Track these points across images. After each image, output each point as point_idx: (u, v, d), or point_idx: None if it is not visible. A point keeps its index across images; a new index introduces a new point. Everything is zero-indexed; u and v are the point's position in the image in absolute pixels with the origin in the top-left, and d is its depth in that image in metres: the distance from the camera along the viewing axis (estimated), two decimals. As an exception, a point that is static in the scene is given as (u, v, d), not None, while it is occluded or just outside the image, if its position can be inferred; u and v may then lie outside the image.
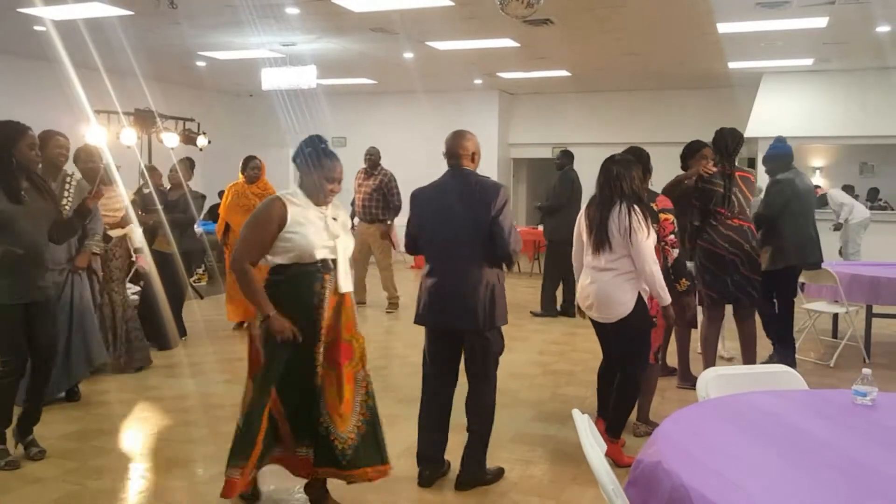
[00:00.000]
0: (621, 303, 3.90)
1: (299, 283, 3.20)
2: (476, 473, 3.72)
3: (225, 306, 7.38)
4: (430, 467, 3.76)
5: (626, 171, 3.94)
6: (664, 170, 7.52)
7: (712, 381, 2.78)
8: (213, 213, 12.58)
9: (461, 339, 3.72)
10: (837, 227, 10.56)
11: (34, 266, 3.84)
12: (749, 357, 5.32)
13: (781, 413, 2.45)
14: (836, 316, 7.02)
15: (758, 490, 1.85)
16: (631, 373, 4.02)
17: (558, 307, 8.40)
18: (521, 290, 10.18)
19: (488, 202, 3.55)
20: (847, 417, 2.44)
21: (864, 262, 8.69)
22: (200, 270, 10.52)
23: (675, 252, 4.26)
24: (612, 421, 4.06)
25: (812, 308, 6.59)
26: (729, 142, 5.16)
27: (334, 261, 3.26)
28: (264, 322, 3.14)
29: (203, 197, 7.48)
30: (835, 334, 7.06)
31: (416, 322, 3.80)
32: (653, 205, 4.23)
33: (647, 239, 3.86)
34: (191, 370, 5.90)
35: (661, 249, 4.21)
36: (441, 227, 3.65)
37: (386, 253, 8.53)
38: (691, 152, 5.31)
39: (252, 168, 7.27)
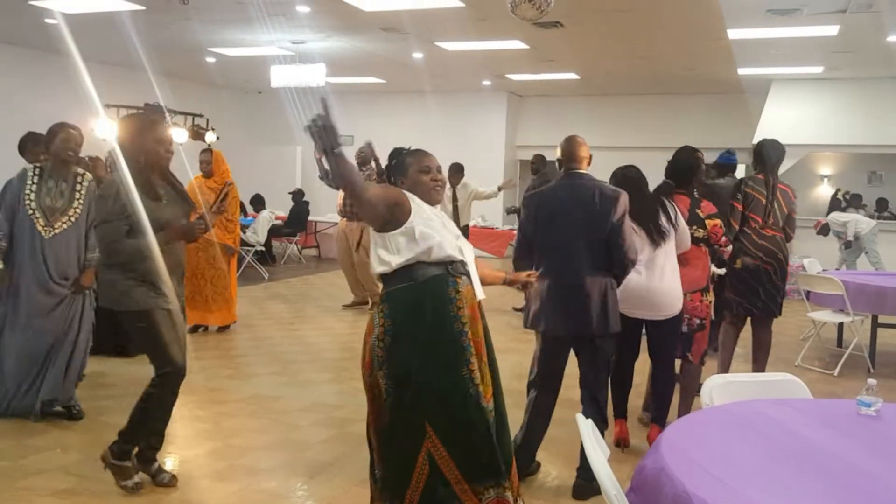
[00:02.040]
0: (678, 298, 4.07)
1: (429, 287, 2.71)
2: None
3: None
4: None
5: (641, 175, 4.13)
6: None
7: (717, 388, 2.78)
8: (219, 209, 12.63)
9: (572, 346, 3.77)
10: (848, 245, 10.40)
11: (176, 273, 3.55)
12: (761, 364, 5.34)
13: (785, 422, 2.45)
14: (841, 325, 7.00)
15: (760, 498, 1.85)
16: (670, 363, 4.24)
17: None
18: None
19: (608, 209, 3.56)
20: (851, 427, 2.43)
21: (870, 272, 8.67)
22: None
23: (730, 248, 4.51)
24: (659, 411, 4.23)
25: (817, 317, 6.57)
26: (771, 153, 5.23)
27: (464, 262, 2.83)
28: None
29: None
30: (840, 343, 7.03)
31: (528, 327, 3.80)
32: (698, 210, 4.34)
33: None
34: (193, 365, 5.90)
35: (713, 253, 4.41)
36: (560, 231, 3.63)
37: (367, 248, 8.37)
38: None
39: (202, 162, 6.87)
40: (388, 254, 2.72)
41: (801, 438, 2.31)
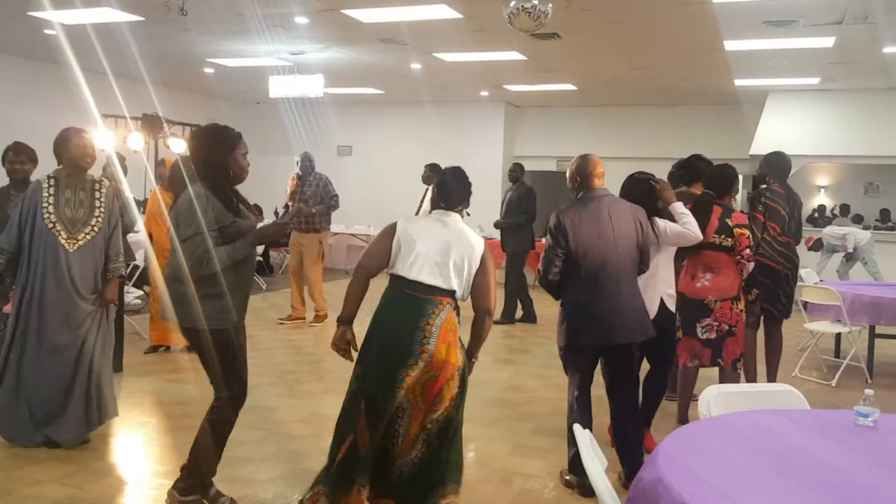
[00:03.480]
0: (652, 308, 4.12)
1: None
2: None
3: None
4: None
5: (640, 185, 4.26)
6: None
7: (714, 399, 2.78)
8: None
9: (602, 354, 3.86)
10: (850, 258, 10.38)
11: (249, 287, 3.45)
12: (774, 368, 5.60)
13: (783, 432, 2.45)
14: (838, 336, 7.01)
15: (758, 509, 1.85)
16: (661, 372, 4.37)
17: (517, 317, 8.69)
18: (523, 302, 10.17)
19: (640, 222, 3.80)
20: (849, 438, 2.43)
21: (868, 282, 8.68)
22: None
23: (751, 266, 4.52)
24: (648, 414, 4.39)
25: (815, 328, 6.58)
26: (784, 165, 5.55)
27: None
28: None
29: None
30: (837, 354, 7.04)
31: (573, 344, 3.78)
32: (728, 220, 4.49)
33: (665, 233, 4.17)
34: (190, 376, 5.88)
35: (736, 263, 4.49)
36: (602, 246, 3.72)
37: (318, 263, 8.10)
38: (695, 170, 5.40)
39: (158, 176, 6.53)
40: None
41: (799, 449, 2.31)
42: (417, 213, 7.86)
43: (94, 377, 4.21)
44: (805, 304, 6.58)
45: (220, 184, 3.28)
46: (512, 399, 5.45)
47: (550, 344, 7.53)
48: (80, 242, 4.13)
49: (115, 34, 8.92)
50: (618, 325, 3.71)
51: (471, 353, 3.33)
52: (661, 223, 4.20)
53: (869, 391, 2.57)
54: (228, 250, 3.19)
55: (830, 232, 10.45)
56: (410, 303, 3.16)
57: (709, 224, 4.45)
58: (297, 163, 8.14)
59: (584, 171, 3.90)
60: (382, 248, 3.29)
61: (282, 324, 8.13)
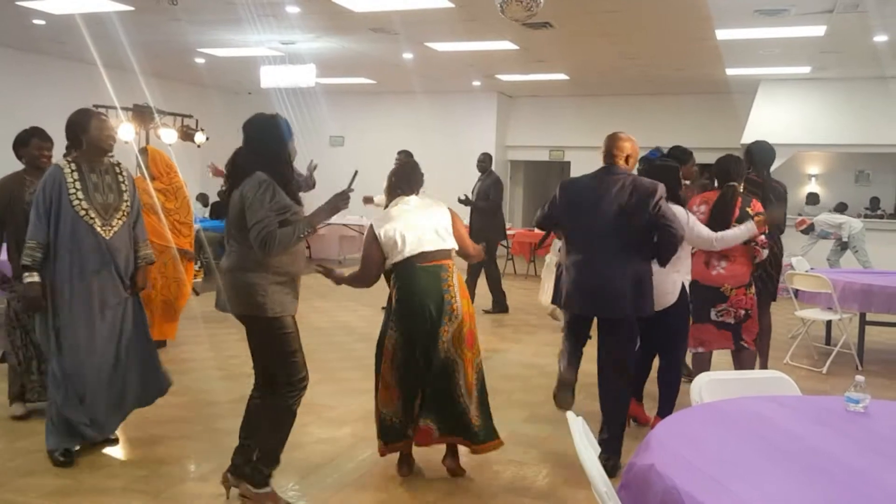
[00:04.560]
0: (667, 293, 4.20)
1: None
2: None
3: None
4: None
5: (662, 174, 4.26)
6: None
7: (706, 385, 2.80)
8: (212, 210, 12.61)
9: (599, 326, 4.01)
10: (844, 247, 10.38)
11: (301, 272, 3.45)
12: (765, 352, 5.63)
13: (774, 418, 2.47)
14: (829, 323, 7.05)
15: (749, 494, 1.86)
16: (674, 358, 4.41)
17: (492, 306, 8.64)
18: (515, 291, 10.19)
19: (644, 201, 3.75)
20: (839, 424, 2.45)
21: (858, 270, 8.73)
22: (196, 266, 10.50)
23: (765, 253, 4.61)
24: (663, 403, 4.41)
25: (805, 315, 6.61)
26: (763, 155, 5.53)
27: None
28: None
29: None
30: (828, 341, 7.08)
31: (562, 307, 4.22)
32: (748, 209, 4.54)
33: (688, 227, 4.15)
34: (185, 366, 5.89)
35: (750, 249, 4.58)
36: (590, 219, 3.87)
37: None
38: (686, 159, 5.45)
39: (140, 165, 6.23)
40: None
41: (790, 435, 2.32)
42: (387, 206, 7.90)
43: (130, 369, 4.03)
44: (796, 291, 6.62)
45: (282, 171, 3.31)
46: (505, 387, 5.46)
47: (543, 332, 7.57)
48: (115, 229, 3.88)
49: (105, 24, 8.86)
50: (582, 297, 3.94)
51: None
52: (690, 218, 4.24)
53: (859, 378, 2.58)
54: (291, 230, 3.20)
55: (825, 219, 10.48)
56: (426, 274, 3.62)
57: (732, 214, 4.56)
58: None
59: (605, 147, 4.03)
60: (376, 255, 3.70)
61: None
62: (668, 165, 4.41)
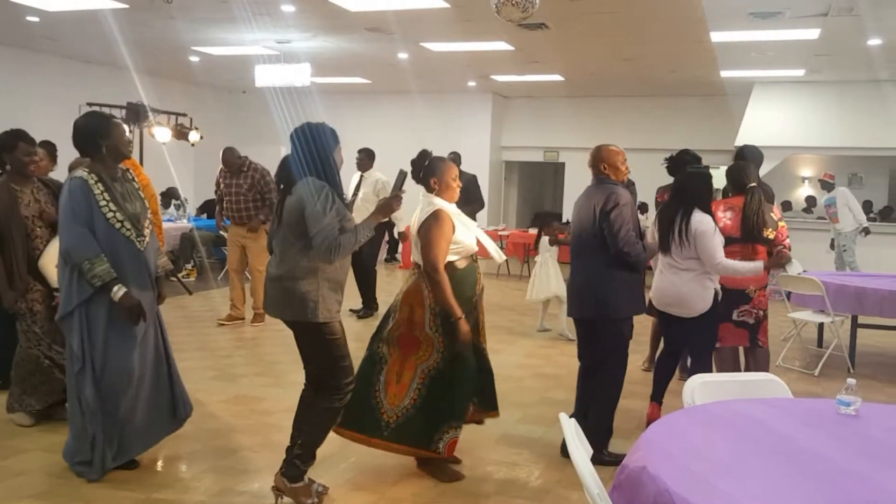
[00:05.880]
0: (703, 299, 4.31)
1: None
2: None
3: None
4: None
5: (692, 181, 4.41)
6: (653, 176, 7.61)
7: (698, 388, 2.81)
8: (205, 209, 12.58)
9: (591, 328, 4.16)
10: (867, 232, 10.39)
11: (345, 280, 3.49)
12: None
13: (766, 420, 2.47)
14: (821, 325, 7.06)
15: (740, 496, 1.87)
16: (704, 358, 4.46)
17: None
18: (509, 291, 10.21)
19: (598, 204, 3.96)
20: (831, 426, 2.46)
21: (850, 273, 8.75)
22: (189, 266, 10.49)
23: (791, 253, 4.79)
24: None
25: (798, 317, 6.63)
26: (752, 160, 5.51)
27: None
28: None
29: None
30: (820, 343, 7.11)
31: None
32: (772, 214, 4.73)
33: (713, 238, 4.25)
34: (178, 365, 5.86)
35: (769, 253, 4.71)
36: (575, 227, 4.20)
37: (263, 254, 7.14)
38: (682, 163, 5.52)
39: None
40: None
41: (782, 437, 2.33)
42: (353, 202, 7.75)
43: (157, 390, 3.85)
44: (788, 294, 6.63)
45: (334, 177, 3.35)
46: (498, 388, 5.45)
47: (536, 335, 7.57)
48: (147, 238, 3.68)
49: (99, 22, 8.83)
50: (575, 301, 4.21)
51: None
52: (698, 228, 4.24)
53: (851, 380, 2.59)
54: (352, 236, 3.28)
55: (845, 193, 10.50)
56: (473, 270, 3.82)
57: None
58: (222, 160, 7.53)
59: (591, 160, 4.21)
60: (448, 241, 3.68)
61: (222, 325, 7.45)
62: (702, 172, 4.46)
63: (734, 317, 4.76)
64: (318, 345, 3.38)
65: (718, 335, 4.74)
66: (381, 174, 8.18)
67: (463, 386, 3.76)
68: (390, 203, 3.51)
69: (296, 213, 3.25)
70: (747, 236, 4.62)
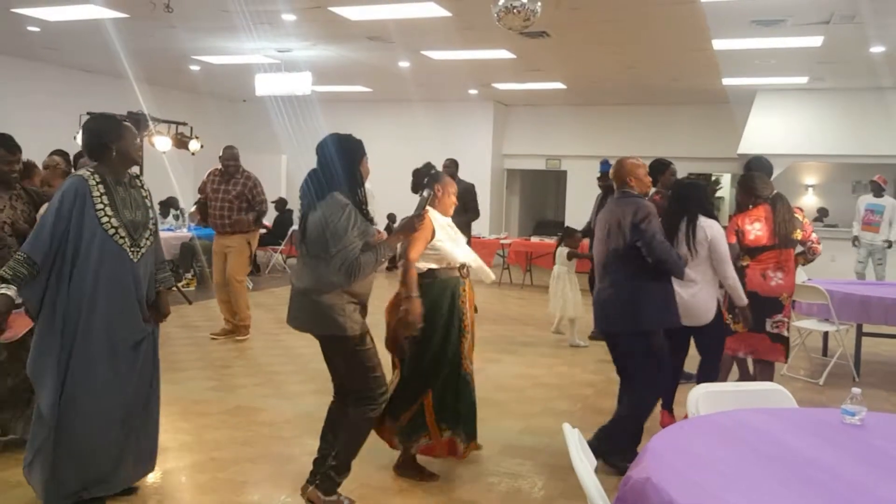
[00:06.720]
0: (709, 309, 4.35)
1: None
2: (607, 454, 3.93)
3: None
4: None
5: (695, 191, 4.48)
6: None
7: (702, 397, 2.77)
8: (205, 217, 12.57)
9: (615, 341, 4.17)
10: (890, 244, 10.02)
11: (369, 294, 3.49)
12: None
13: (770, 431, 2.44)
14: (826, 334, 7.02)
15: (747, 509, 1.83)
16: (713, 364, 4.53)
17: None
18: (511, 301, 10.17)
19: (626, 217, 3.96)
20: (836, 436, 2.43)
21: (856, 282, 8.71)
22: (189, 275, 10.46)
23: (820, 247, 4.98)
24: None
25: (803, 325, 6.59)
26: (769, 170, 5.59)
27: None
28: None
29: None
30: (825, 352, 7.06)
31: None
32: (797, 215, 4.87)
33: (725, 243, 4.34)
34: (177, 376, 5.84)
35: (807, 249, 4.91)
36: (600, 242, 4.17)
37: (243, 266, 7.20)
38: (661, 169, 5.82)
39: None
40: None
41: (786, 447, 2.30)
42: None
43: (152, 410, 3.57)
44: (793, 302, 6.59)
45: (356, 191, 3.34)
46: (500, 398, 5.42)
47: (539, 343, 7.53)
48: (143, 250, 3.42)
49: (100, 31, 8.85)
50: (597, 313, 4.20)
51: None
52: (710, 233, 4.30)
53: (856, 390, 2.56)
54: (372, 256, 3.28)
55: (893, 204, 10.13)
56: (456, 283, 3.80)
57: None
58: (220, 157, 7.20)
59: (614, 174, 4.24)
60: (425, 242, 3.71)
61: (215, 339, 7.14)
62: (696, 183, 4.59)
63: (768, 328, 4.73)
64: (348, 357, 3.37)
65: (752, 347, 4.78)
66: (368, 184, 8.11)
67: (461, 400, 3.81)
68: (412, 222, 3.49)
69: (318, 230, 3.26)
70: (784, 242, 4.72)
